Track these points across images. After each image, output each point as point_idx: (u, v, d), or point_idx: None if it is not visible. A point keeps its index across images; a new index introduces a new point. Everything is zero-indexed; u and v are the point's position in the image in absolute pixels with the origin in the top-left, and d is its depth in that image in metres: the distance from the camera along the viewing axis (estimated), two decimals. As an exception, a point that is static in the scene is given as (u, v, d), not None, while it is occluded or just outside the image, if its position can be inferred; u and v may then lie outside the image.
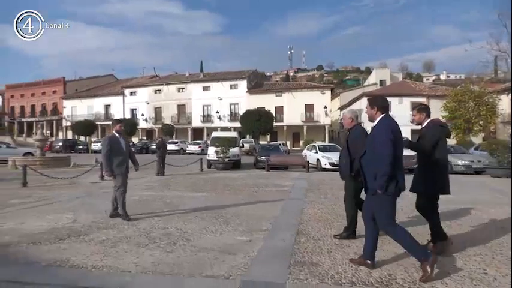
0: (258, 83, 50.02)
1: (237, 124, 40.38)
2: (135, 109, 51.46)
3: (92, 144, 39.36)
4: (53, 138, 48.31)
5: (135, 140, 45.94)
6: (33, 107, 61.35)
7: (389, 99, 24.20)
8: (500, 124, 35.38)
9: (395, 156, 3.26)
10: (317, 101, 43.20)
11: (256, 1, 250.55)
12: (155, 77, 57.06)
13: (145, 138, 48.60)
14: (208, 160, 18.02)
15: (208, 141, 40.16)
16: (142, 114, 50.11)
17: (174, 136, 43.85)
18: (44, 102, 60.21)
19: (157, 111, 50.28)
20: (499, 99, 32.63)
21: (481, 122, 31.26)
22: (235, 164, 17.90)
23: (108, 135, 6.09)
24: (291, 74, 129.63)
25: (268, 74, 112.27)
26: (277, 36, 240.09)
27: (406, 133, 30.87)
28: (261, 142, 34.47)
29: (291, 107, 43.64)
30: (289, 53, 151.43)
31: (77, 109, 54.65)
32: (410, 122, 4.50)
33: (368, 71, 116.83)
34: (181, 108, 49.15)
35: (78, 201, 7.76)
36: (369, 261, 3.52)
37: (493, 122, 32.87)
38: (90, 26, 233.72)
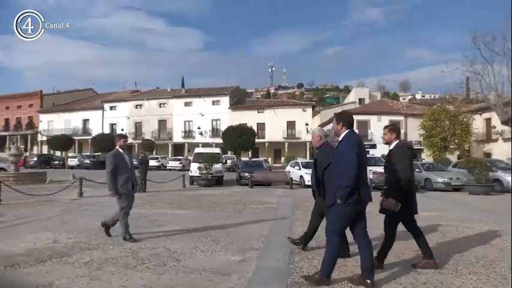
0: (240, 100, 50.27)
1: (219, 140, 40.22)
2: (115, 124, 50.54)
3: (69, 159, 38.19)
4: (27, 153, 46.61)
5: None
6: (7, 120, 59.23)
7: (368, 117, 25.21)
8: (474, 143, 36.63)
9: (359, 170, 3.42)
10: (298, 118, 43.70)
11: (239, 20, 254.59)
12: (136, 92, 56.49)
13: (124, 153, 47.58)
14: (191, 176, 17.78)
15: (190, 157, 39.88)
16: (122, 129, 49.11)
17: (154, 152, 43.17)
18: (19, 116, 58.25)
19: (138, 126, 49.55)
20: (473, 119, 33.95)
21: (456, 141, 32.32)
22: (218, 181, 17.70)
23: (112, 152, 5.70)
24: (272, 91, 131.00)
25: (249, 90, 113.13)
26: (259, 54, 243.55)
27: (384, 151, 31.62)
28: (243, 158, 34.38)
29: (273, 124, 43.93)
30: (270, 70, 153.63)
31: (54, 123, 53.13)
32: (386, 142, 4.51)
33: (347, 90, 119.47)
34: (162, 123, 48.63)
35: (58, 219, 7.40)
36: (369, 281, 3.45)
37: (467, 141, 34.06)
38: (71, 40, 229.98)
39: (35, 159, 38.05)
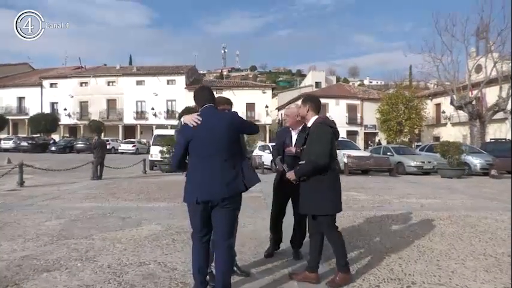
0: (196, 80, 47.91)
1: (174, 122, 37.98)
2: (56, 103, 45.75)
3: (2, 141, 33.88)
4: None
5: (55, 137, 40.79)
6: None
7: (327, 100, 24.95)
8: (424, 127, 38.18)
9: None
10: (258, 100, 42.62)
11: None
12: (80, 68, 51.54)
13: (67, 135, 43.50)
14: (152, 161, 16.16)
15: (144, 140, 37.35)
16: (65, 109, 44.77)
17: (103, 134, 39.77)
18: None
19: (83, 105, 45.31)
20: (426, 104, 35.36)
21: (409, 125, 33.40)
22: (182, 165, 16.18)
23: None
24: (225, 73, 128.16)
25: (201, 72, 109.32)
26: (210, 34, 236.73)
27: (342, 134, 31.62)
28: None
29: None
30: (222, 51, 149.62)
31: (-18, 101, 46.93)
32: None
33: (299, 74, 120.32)
34: (111, 103, 44.91)
35: (-6, 220, 5.62)
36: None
37: (420, 125, 35.43)
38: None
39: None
